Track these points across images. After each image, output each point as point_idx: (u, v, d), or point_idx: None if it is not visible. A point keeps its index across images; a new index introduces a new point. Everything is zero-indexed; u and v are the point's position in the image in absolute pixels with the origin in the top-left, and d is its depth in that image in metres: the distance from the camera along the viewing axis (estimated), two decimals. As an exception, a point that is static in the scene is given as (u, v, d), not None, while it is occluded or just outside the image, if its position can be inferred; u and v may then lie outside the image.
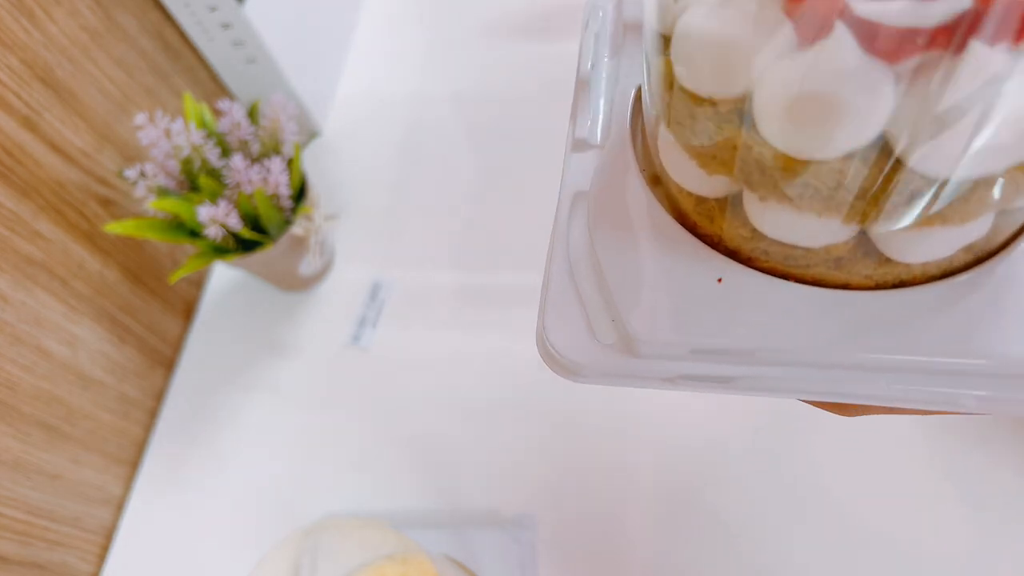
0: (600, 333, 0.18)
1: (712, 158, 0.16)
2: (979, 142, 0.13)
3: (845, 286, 0.17)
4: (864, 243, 0.16)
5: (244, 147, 0.53)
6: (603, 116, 0.21)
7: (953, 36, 0.12)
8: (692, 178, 0.18)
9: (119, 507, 0.55)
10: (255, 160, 0.53)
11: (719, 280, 0.17)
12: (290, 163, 0.53)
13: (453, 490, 0.49)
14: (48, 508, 0.49)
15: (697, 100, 0.16)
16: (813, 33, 0.13)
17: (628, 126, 0.21)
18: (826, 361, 0.16)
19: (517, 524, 0.47)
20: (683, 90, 0.16)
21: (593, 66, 0.21)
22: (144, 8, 0.56)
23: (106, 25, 0.53)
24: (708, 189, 0.17)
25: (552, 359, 0.18)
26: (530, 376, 0.51)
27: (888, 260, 0.16)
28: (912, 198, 0.14)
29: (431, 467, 0.51)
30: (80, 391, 0.51)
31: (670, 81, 0.16)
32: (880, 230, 0.16)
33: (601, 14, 0.22)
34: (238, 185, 0.51)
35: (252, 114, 0.55)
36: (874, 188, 0.14)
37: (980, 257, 0.17)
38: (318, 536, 0.43)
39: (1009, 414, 0.16)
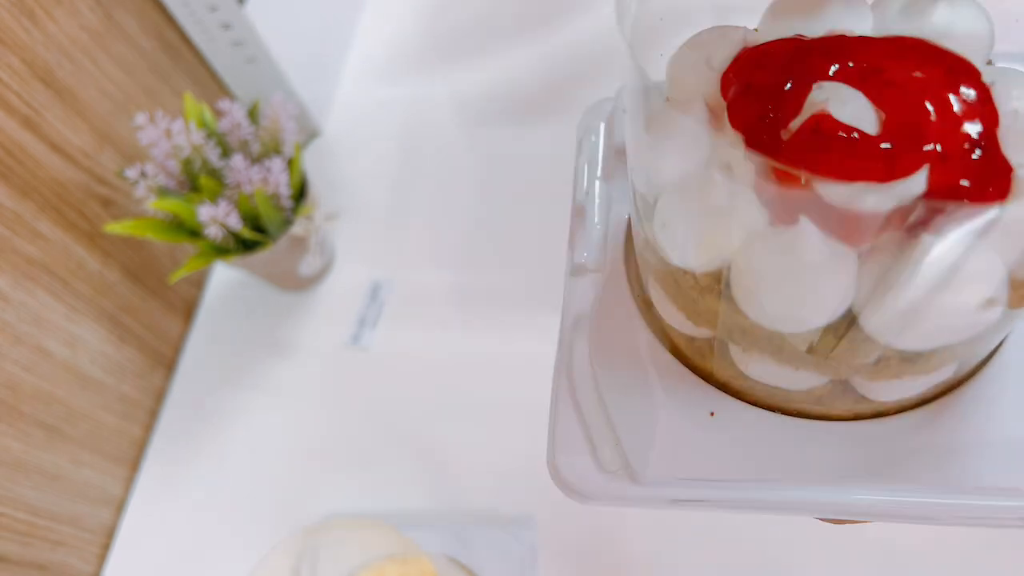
0: (605, 461, 0.19)
1: (698, 315, 0.18)
2: (934, 318, 0.15)
3: (826, 417, 0.18)
4: (841, 386, 0.17)
5: (244, 147, 0.53)
6: (598, 241, 0.22)
7: (907, 218, 0.13)
8: (681, 325, 0.19)
9: (119, 507, 0.55)
10: (255, 160, 0.53)
11: (712, 414, 0.19)
12: (290, 163, 0.53)
13: (453, 490, 0.49)
14: (48, 508, 0.49)
15: (680, 271, 0.17)
16: (784, 216, 0.14)
17: (622, 252, 0.22)
18: (808, 489, 0.18)
19: (517, 524, 0.47)
20: (666, 261, 0.17)
21: (587, 192, 0.22)
22: (144, 8, 0.56)
23: (106, 25, 0.53)
24: (697, 334, 0.19)
25: (562, 484, 0.20)
26: (529, 376, 0.51)
27: (864, 398, 0.18)
28: (880, 359, 0.16)
29: (431, 467, 0.51)
30: (80, 391, 0.51)
31: (655, 247, 0.18)
32: (853, 381, 0.17)
33: (593, 138, 0.23)
34: (238, 185, 0.51)
35: (252, 114, 0.55)
36: (845, 351, 0.16)
37: (951, 385, 0.18)
38: (318, 536, 0.43)
39: (977, 525, 0.17)
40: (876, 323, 0.15)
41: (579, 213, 0.22)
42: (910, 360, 0.16)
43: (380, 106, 0.70)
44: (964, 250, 0.13)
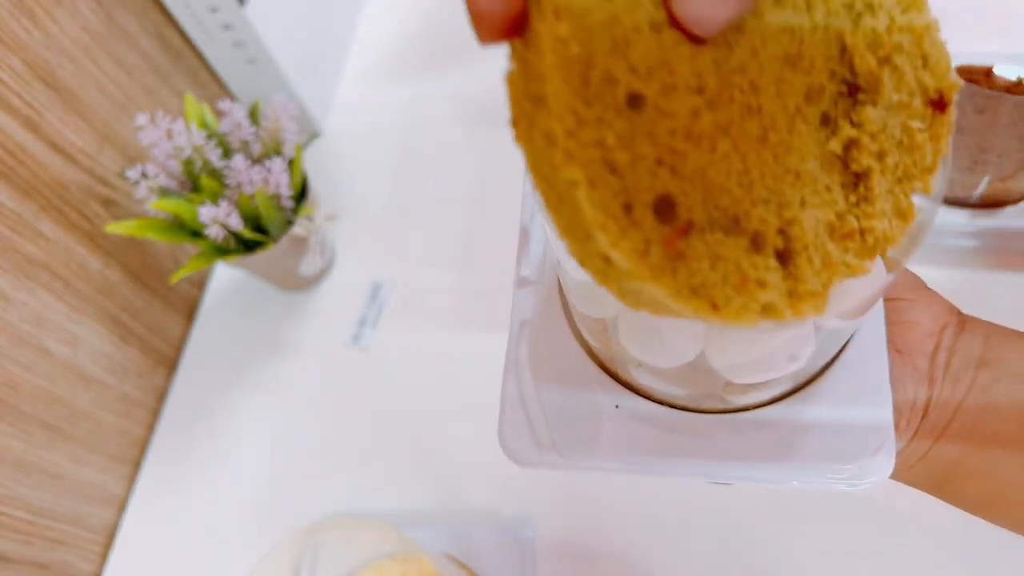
0: (540, 436, 0.25)
1: (599, 341, 0.24)
2: (754, 365, 0.20)
3: (705, 411, 0.24)
4: (708, 394, 0.23)
5: (245, 147, 0.54)
6: (539, 259, 0.27)
7: None
8: (592, 341, 0.25)
9: (120, 506, 0.55)
10: (256, 160, 0.53)
11: (617, 406, 0.24)
12: (291, 163, 0.53)
13: (453, 490, 0.50)
14: (50, 507, 0.49)
15: (581, 313, 0.22)
16: None
17: (556, 271, 0.27)
18: (688, 462, 0.24)
19: (517, 524, 0.47)
20: (573, 305, 0.23)
21: (531, 217, 0.27)
22: (145, 9, 0.57)
23: (107, 25, 0.53)
24: (603, 349, 0.24)
25: (508, 453, 0.25)
26: (530, 376, 0.51)
27: (727, 400, 0.23)
28: (727, 384, 0.21)
29: (431, 467, 0.51)
30: (81, 391, 0.51)
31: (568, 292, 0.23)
32: (716, 392, 0.23)
33: None
34: (239, 185, 0.51)
35: (253, 115, 0.55)
36: (702, 378, 0.21)
37: (798, 386, 0.24)
38: (318, 536, 0.43)
39: (812, 488, 0.24)
40: (717, 364, 0.20)
41: (524, 234, 0.27)
42: (748, 385, 0.22)
43: (380, 106, 0.70)
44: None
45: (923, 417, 0.23)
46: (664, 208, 0.14)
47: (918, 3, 0.17)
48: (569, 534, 0.46)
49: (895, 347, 0.24)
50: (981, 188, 0.46)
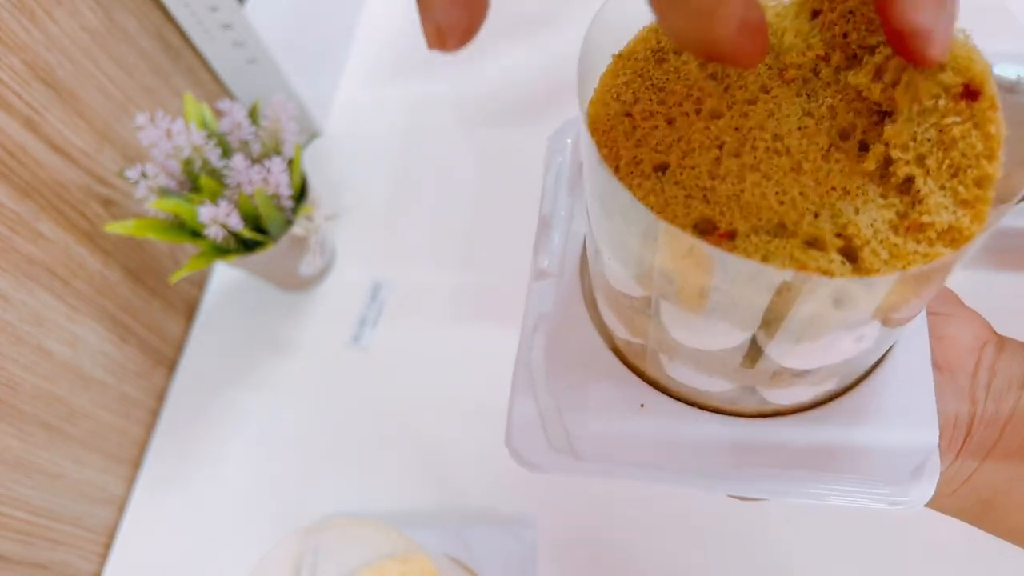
0: (553, 439, 0.23)
1: (633, 327, 0.22)
2: (814, 348, 0.19)
3: (736, 414, 0.22)
4: (748, 390, 0.21)
5: (245, 147, 0.54)
6: (559, 250, 0.26)
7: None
8: (620, 332, 0.23)
9: (120, 506, 0.55)
10: (256, 160, 0.53)
11: (642, 405, 0.23)
12: (290, 163, 0.53)
13: (453, 490, 0.50)
14: (49, 507, 0.49)
15: (621, 293, 0.21)
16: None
17: (579, 261, 0.25)
18: (719, 470, 0.22)
19: (517, 524, 0.47)
20: (610, 284, 0.21)
21: (552, 206, 0.26)
22: (145, 8, 0.57)
23: (107, 25, 0.53)
24: (632, 340, 0.22)
25: (517, 457, 0.23)
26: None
27: (766, 401, 0.22)
28: (775, 373, 0.20)
29: (431, 467, 0.51)
30: (81, 391, 0.51)
31: (602, 273, 0.22)
32: (757, 387, 0.21)
33: (560, 159, 0.27)
34: (239, 185, 0.51)
35: (253, 114, 0.55)
36: (748, 367, 0.20)
37: (838, 392, 0.22)
38: (319, 536, 0.43)
39: (854, 507, 0.22)
40: (771, 348, 0.19)
41: (544, 223, 0.26)
42: (799, 375, 0.20)
43: (380, 106, 0.70)
44: (832, 302, 0.17)
45: (966, 437, 0.22)
46: (705, 226, 0.17)
47: None
48: (569, 534, 0.46)
49: (935, 362, 0.23)
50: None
